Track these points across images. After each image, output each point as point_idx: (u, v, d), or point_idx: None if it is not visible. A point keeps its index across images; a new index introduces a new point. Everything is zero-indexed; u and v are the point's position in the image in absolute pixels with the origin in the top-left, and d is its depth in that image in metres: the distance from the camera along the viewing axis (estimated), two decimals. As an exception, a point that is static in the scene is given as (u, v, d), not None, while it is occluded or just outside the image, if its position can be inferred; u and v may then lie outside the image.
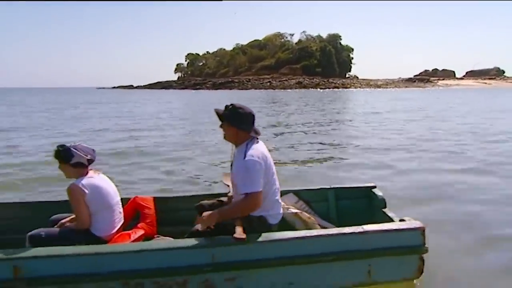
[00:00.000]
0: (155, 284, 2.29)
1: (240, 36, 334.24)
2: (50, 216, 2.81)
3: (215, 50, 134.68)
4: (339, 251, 2.44)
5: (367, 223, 2.61)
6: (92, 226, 2.58)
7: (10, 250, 2.24)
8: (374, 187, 3.41)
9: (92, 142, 9.66)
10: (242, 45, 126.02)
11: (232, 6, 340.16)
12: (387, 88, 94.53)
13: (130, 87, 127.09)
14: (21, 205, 3.23)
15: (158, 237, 2.92)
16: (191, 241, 2.36)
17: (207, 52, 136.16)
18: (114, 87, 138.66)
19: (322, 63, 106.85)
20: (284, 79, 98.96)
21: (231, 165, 2.64)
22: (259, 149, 2.51)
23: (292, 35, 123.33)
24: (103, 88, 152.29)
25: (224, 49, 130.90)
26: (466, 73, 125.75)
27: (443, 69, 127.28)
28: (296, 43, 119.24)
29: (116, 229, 2.70)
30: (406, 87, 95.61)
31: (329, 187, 3.44)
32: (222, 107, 2.61)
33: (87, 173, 2.63)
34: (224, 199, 2.90)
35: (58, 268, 2.20)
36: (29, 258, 2.19)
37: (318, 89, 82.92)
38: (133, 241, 2.68)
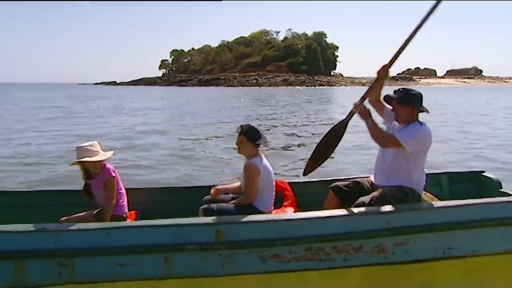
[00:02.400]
0: (334, 248, 2.47)
1: (226, 32, 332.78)
2: (202, 197, 3.08)
3: (201, 46, 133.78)
4: (494, 217, 2.62)
5: None
6: (257, 202, 2.81)
7: (213, 217, 2.47)
8: (483, 171, 3.63)
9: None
10: (227, 42, 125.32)
11: (231, 6, 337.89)
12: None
13: (113, 83, 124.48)
14: (177, 189, 3.63)
15: None
16: (368, 209, 2.55)
17: (192, 48, 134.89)
18: (96, 83, 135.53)
19: (308, 60, 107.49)
20: (270, 76, 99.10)
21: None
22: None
23: (277, 32, 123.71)
24: (85, 84, 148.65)
25: (209, 46, 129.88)
26: (447, 72, 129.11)
27: (425, 68, 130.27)
28: (282, 41, 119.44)
29: (272, 206, 2.95)
30: (390, 85, 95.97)
31: (442, 171, 3.67)
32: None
33: (257, 152, 2.88)
34: (359, 179, 3.11)
35: (254, 233, 2.41)
36: (230, 223, 2.42)
37: (304, 87, 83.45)
38: None
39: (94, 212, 2.97)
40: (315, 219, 2.49)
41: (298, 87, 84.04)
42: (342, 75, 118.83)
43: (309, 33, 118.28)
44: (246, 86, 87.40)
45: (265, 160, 2.88)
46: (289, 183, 3.33)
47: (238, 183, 3.15)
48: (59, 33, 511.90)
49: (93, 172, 2.93)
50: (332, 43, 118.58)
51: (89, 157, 2.83)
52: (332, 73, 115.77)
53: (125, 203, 3.04)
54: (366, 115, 2.80)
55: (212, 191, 3.02)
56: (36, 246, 2.26)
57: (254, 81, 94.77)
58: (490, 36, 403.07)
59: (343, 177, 3.45)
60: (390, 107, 2.99)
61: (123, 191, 3.03)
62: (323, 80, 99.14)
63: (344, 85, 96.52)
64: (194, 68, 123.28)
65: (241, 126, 2.90)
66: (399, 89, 2.89)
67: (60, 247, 2.27)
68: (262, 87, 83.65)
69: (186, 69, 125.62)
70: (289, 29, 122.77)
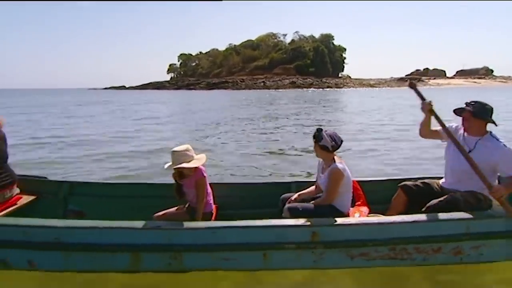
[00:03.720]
0: (415, 249, 2.67)
1: (233, 36, 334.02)
2: (280, 194, 3.29)
3: (208, 50, 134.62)
4: None
5: None
6: (337, 203, 2.96)
7: (310, 219, 2.66)
8: None
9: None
10: (235, 45, 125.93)
11: (237, 10, 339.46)
12: (379, 87, 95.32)
13: (122, 87, 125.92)
14: (253, 185, 3.80)
15: (371, 213, 3.19)
16: (449, 215, 2.70)
17: (200, 52, 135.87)
18: (106, 88, 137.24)
19: (315, 63, 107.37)
20: (277, 79, 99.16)
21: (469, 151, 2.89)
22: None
23: (285, 35, 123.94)
24: (95, 88, 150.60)
25: (217, 49, 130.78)
26: (457, 72, 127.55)
27: (434, 68, 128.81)
28: (289, 43, 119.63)
29: (350, 206, 3.10)
30: (398, 86, 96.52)
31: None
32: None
33: (334, 157, 2.98)
34: (428, 180, 3.18)
35: (346, 235, 2.62)
36: (326, 225, 2.63)
37: (312, 89, 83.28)
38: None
39: (185, 209, 3.15)
40: (401, 223, 2.66)
41: (306, 89, 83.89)
42: (350, 77, 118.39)
43: (317, 36, 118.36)
44: (253, 89, 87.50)
45: (345, 165, 2.99)
46: (357, 181, 3.44)
47: (312, 188, 3.29)
48: (65, 39, 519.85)
49: (187, 174, 3.03)
50: (339, 45, 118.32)
51: (186, 162, 2.91)
52: (339, 75, 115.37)
53: (212, 201, 3.16)
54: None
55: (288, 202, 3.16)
56: (151, 241, 2.57)
57: (262, 84, 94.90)
58: (501, 35, 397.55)
59: (411, 177, 3.52)
60: (453, 125, 3.05)
61: (210, 189, 3.15)
62: (331, 82, 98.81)
63: (353, 87, 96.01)
64: (202, 72, 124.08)
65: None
66: (472, 102, 2.94)
67: (172, 243, 2.57)
68: (270, 90, 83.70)
69: (194, 73, 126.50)
70: (296, 32, 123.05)
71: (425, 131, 3.13)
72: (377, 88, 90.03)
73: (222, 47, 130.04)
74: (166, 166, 3.03)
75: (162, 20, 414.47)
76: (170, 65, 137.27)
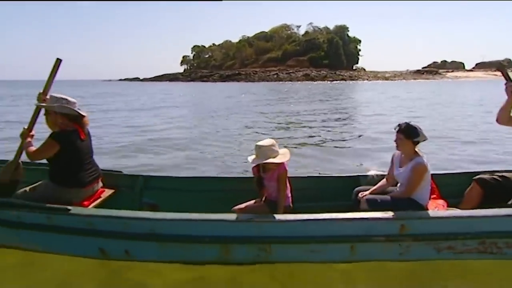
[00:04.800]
0: (506, 243, 2.65)
1: (246, 28, 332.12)
2: (353, 188, 3.31)
3: (221, 42, 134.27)
4: None
5: None
6: (417, 196, 2.94)
7: (399, 212, 2.69)
8: None
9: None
10: (248, 37, 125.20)
11: (232, 6, 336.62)
12: (394, 80, 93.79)
13: (137, 79, 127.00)
14: (334, 178, 3.79)
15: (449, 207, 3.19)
16: None
17: (213, 44, 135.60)
18: (120, 79, 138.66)
19: (329, 55, 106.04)
20: (291, 71, 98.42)
21: None
22: None
23: (298, 26, 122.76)
24: (109, 80, 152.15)
25: (230, 41, 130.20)
26: (476, 64, 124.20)
27: (452, 61, 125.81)
28: (303, 35, 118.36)
29: (429, 199, 3.08)
30: (415, 79, 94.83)
31: None
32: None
33: (416, 150, 2.99)
34: (507, 174, 3.13)
35: (435, 227, 2.65)
36: (415, 218, 2.67)
37: (326, 82, 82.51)
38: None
39: (262, 202, 3.15)
40: (493, 217, 2.65)
41: (320, 81, 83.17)
42: (364, 69, 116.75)
43: (331, 27, 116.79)
44: (267, 81, 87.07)
45: (425, 158, 2.98)
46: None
47: (384, 181, 3.27)
48: (76, 31, 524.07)
49: (270, 168, 3.03)
50: (354, 37, 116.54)
51: (273, 157, 2.93)
52: (354, 67, 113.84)
53: (290, 194, 3.15)
54: None
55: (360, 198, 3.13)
56: (241, 233, 2.66)
57: (275, 76, 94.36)
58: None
59: (484, 170, 3.48)
60: None
61: (288, 184, 3.13)
62: (345, 74, 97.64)
63: (367, 79, 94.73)
64: (215, 64, 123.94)
65: (399, 124, 2.99)
66: None
67: (262, 235, 2.65)
68: (284, 82, 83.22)
69: (207, 65, 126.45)
70: (310, 23, 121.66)
71: (505, 117, 2.98)
72: (391, 81, 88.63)
73: (235, 39, 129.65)
74: (250, 159, 3.03)
75: (174, 12, 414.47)
76: (183, 57, 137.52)
